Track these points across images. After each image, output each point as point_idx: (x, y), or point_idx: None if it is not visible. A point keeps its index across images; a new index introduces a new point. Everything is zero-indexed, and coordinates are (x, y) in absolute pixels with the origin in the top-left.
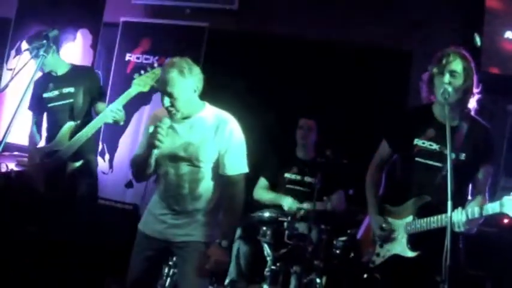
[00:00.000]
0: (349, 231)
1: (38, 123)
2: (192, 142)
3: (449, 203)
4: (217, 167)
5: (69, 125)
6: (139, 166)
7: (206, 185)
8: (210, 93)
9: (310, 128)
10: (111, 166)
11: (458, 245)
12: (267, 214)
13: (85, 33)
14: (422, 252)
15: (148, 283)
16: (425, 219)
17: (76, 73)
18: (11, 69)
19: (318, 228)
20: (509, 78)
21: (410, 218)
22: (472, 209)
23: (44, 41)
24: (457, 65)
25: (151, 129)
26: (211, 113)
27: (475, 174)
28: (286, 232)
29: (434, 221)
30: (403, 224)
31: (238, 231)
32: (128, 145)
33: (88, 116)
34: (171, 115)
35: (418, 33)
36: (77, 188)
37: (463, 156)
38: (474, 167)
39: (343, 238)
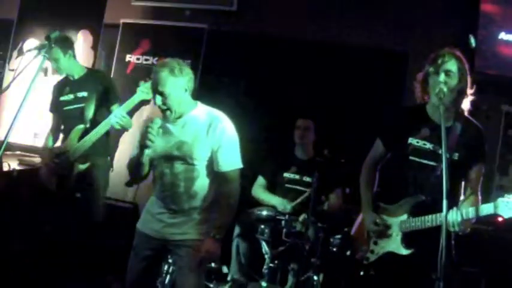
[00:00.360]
0: (345, 229)
1: (55, 125)
2: (185, 141)
3: (444, 202)
4: (211, 164)
5: (78, 128)
6: (134, 167)
7: (201, 183)
8: (209, 93)
9: (308, 127)
10: (111, 165)
11: (451, 242)
12: (265, 212)
13: (86, 34)
14: (417, 250)
15: (146, 282)
16: (420, 218)
17: (90, 77)
18: (13, 70)
19: (314, 226)
20: (503, 78)
21: (404, 217)
22: (467, 210)
23: (46, 42)
24: (452, 65)
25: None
26: (203, 112)
27: (468, 174)
28: (284, 230)
29: (429, 220)
30: (398, 222)
31: (237, 229)
32: (128, 144)
33: (100, 120)
34: (164, 115)
35: (413, 35)
36: (81, 188)
37: (456, 156)
38: (467, 166)
39: (340, 236)
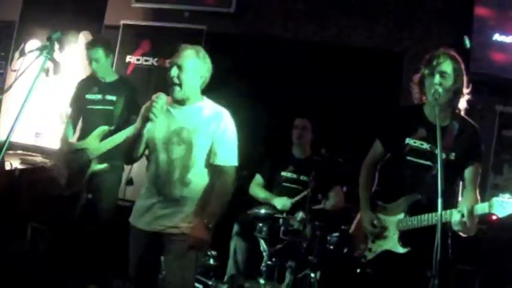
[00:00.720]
0: (342, 227)
1: (74, 121)
2: (187, 128)
3: (439, 201)
4: (208, 156)
5: (103, 128)
6: (131, 144)
7: (196, 173)
8: (208, 93)
9: (305, 127)
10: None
11: (447, 241)
12: (263, 211)
13: (87, 35)
14: (413, 248)
15: (149, 273)
16: (416, 217)
17: (121, 84)
18: (15, 71)
19: (312, 224)
20: (497, 79)
21: (401, 216)
22: (462, 208)
23: (47, 43)
24: (447, 66)
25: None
26: (208, 105)
27: (465, 173)
28: (282, 228)
29: (425, 219)
30: (395, 221)
31: (236, 228)
32: None
33: (123, 126)
34: (172, 91)
35: (410, 36)
36: (96, 188)
37: (452, 155)
38: (464, 166)
39: (337, 234)
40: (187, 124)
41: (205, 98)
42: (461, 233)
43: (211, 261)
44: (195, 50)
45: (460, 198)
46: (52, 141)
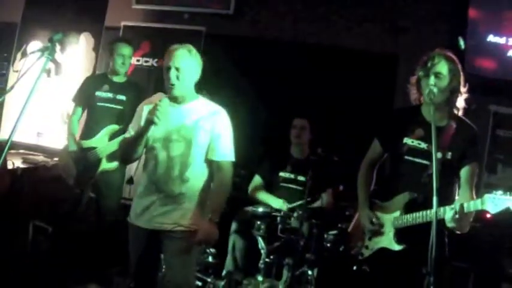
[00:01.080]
0: (339, 225)
1: (78, 116)
2: (186, 125)
3: (434, 199)
4: (206, 153)
5: (113, 127)
6: (131, 146)
7: (195, 170)
8: (208, 93)
9: (303, 127)
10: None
11: (444, 239)
12: (261, 209)
13: (88, 36)
14: (409, 245)
15: (149, 271)
16: (411, 215)
17: (130, 85)
18: (17, 71)
19: (309, 222)
20: (491, 79)
21: (397, 213)
22: (455, 206)
23: (49, 44)
24: (442, 67)
25: (145, 110)
26: (204, 103)
27: (461, 173)
28: (279, 226)
29: (420, 216)
30: (391, 219)
31: (234, 226)
32: None
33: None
34: (171, 89)
35: (404, 37)
36: (101, 186)
37: (449, 155)
38: (460, 165)
39: (334, 232)
40: (185, 122)
41: (200, 97)
42: (455, 230)
43: (210, 259)
44: (187, 49)
45: (457, 197)
46: (53, 140)
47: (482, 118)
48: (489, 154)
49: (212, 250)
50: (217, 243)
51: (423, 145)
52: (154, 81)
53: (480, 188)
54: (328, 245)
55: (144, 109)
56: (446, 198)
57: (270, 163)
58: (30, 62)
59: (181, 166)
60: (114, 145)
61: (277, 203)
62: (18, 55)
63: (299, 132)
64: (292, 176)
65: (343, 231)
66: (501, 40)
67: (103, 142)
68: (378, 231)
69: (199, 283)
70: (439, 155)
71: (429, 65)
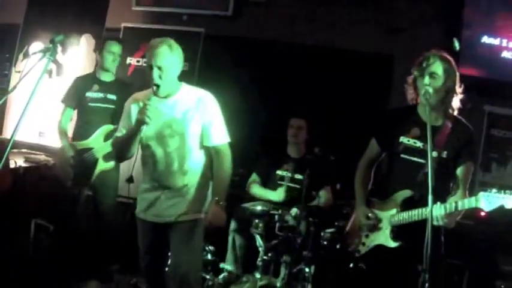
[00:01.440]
0: (336, 223)
1: (68, 117)
2: (176, 119)
3: (430, 197)
4: (201, 140)
5: (108, 127)
6: (125, 145)
7: (193, 159)
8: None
9: (300, 126)
10: None
11: (440, 237)
12: (259, 208)
13: (88, 38)
14: (404, 242)
15: (160, 262)
16: (407, 212)
17: (119, 84)
18: (19, 72)
19: (306, 220)
20: (485, 80)
21: (394, 211)
22: (450, 204)
23: (51, 45)
24: (437, 67)
25: (133, 108)
26: (189, 91)
27: (456, 171)
28: (277, 224)
29: (415, 214)
30: (388, 216)
31: (233, 224)
32: None
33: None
34: (155, 89)
35: (400, 38)
36: (98, 185)
37: (444, 154)
38: (455, 164)
39: (330, 230)
40: (175, 115)
41: (183, 84)
42: (442, 225)
43: (209, 256)
44: (167, 44)
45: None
46: (55, 140)
47: (477, 118)
48: (483, 153)
49: (211, 248)
50: (215, 241)
51: (419, 144)
52: None
53: (475, 187)
54: (325, 242)
55: (132, 107)
56: (441, 197)
57: (267, 161)
58: (32, 62)
59: (179, 159)
60: (109, 145)
61: (274, 195)
62: (20, 56)
63: (296, 131)
64: (289, 174)
65: (340, 229)
66: (495, 41)
67: (99, 142)
68: (374, 227)
69: None
70: (435, 154)
71: (424, 65)
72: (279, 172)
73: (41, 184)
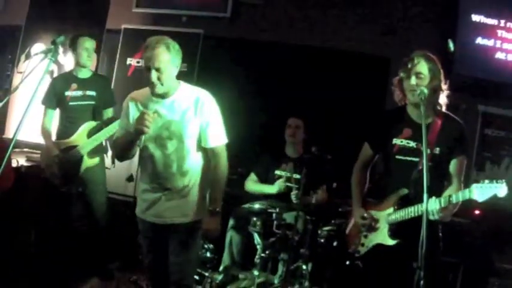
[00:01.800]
0: (333, 221)
1: (51, 118)
2: (174, 120)
3: (425, 195)
4: (199, 141)
5: (90, 123)
6: (125, 147)
7: (192, 161)
8: None
9: (298, 126)
10: (113, 161)
11: (438, 234)
12: (257, 206)
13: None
14: (402, 240)
15: (162, 260)
16: (403, 210)
17: (97, 79)
18: (21, 73)
19: (303, 218)
20: (479, 80)
21: (391, 210)
22: (445, 198)
23: (52, 46)
24: (422, 67)
25: (131, 107)
26: (187, 90)
27: (450, 166)
28: (275, 222)
29: (411, 211)
30: (385, 215)
31: (231, 222)
32: None
33: (102, 118)
34: (154, 91)
35: (396, 40)
36: (86, 181)
37: (437, 150)
38: (449, 159)
39: (327, 228)
40: (173, 117)
41: (182, 83)
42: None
43: (208, 254)
44: (165, 45)
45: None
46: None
47: (471, 118)
48: (478, 153)
49: (210, 245)
50: (214, 239)
51: (412, 144)
52: None
53: (469, 185)
54: (322, 240)
55: (130, 106)
56: (436, 193)
57: (265, 161)
58: (33, 63)
59: (178, 161)
60: (93, 142)
61: (272, 188)
62: (23, 57)
63: (294, 131)
64: (287, 174)
65: (337, 227)
66: (489, 42)
67: (82, 139)
68: (372, 228)
69: (197, 277)
70: (428, 151)
71: (409, 66)
72: (277, 172)
73: (42, 183)
